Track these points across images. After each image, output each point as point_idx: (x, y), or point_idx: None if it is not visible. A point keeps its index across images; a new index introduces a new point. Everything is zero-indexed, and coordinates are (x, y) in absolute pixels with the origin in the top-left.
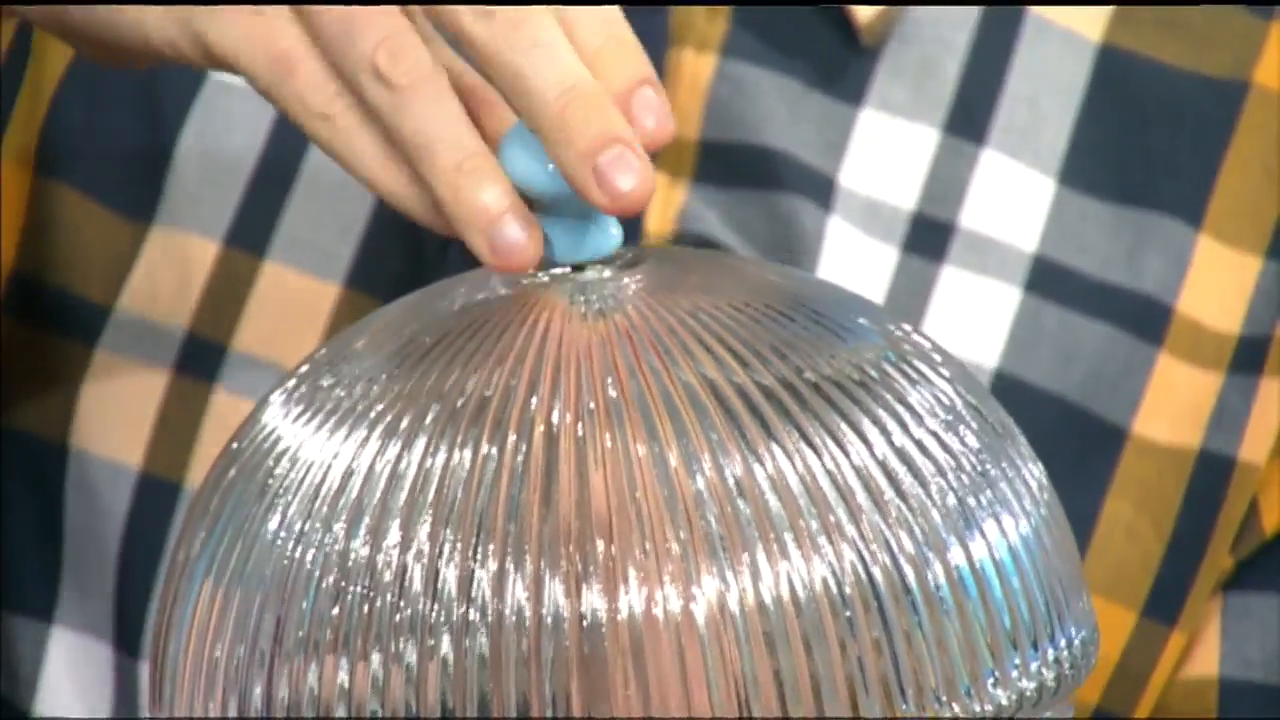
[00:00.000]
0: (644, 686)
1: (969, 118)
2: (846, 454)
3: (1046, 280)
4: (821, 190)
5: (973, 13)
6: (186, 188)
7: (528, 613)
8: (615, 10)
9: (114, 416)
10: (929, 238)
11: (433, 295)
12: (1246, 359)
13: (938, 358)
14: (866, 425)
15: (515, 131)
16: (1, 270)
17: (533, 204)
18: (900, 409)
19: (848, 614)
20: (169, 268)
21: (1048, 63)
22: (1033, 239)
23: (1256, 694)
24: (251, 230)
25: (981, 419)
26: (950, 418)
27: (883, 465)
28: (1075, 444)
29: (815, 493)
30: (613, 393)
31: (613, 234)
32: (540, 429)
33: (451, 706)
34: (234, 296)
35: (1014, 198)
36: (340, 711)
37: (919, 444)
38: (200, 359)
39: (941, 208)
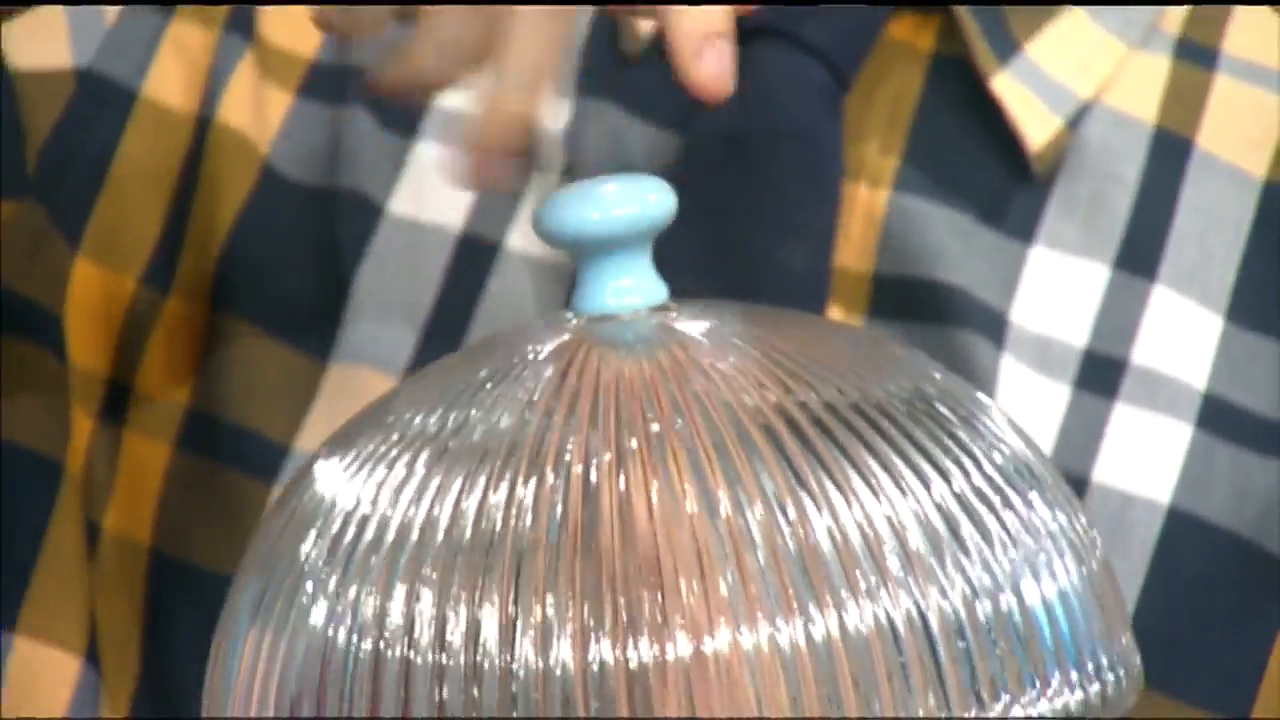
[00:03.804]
0: None
1: (1139, 254)
2: (904, 497)
3: (1217, 417)
4: (995, 327)
5: (1141, 146)
6: (365, 323)
7: (571, 664)
8: None
9: None
10: (1101, 375)
11: (476, 345)
12: None
13: (990, 408)
14: (924, 469)
15: (569, 189)
16: (174, 406)
17: (581, 254)
18: (958, 454)
19: (901, 659)
20: (348, 404)
21: (1214, 199)
22: (1202, 376)
23: None
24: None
25: (1034, 470)
26: (1005, 466)
27: (940, 510)
28: (1248, 581)
29: (869, 536)
30: (655, 432)
31: (657, 288)
32: (577, 468)
33: None
34: None
35: (1184, 334)
36: None
37: (976, 490)
38: None
39: (1113, 344)
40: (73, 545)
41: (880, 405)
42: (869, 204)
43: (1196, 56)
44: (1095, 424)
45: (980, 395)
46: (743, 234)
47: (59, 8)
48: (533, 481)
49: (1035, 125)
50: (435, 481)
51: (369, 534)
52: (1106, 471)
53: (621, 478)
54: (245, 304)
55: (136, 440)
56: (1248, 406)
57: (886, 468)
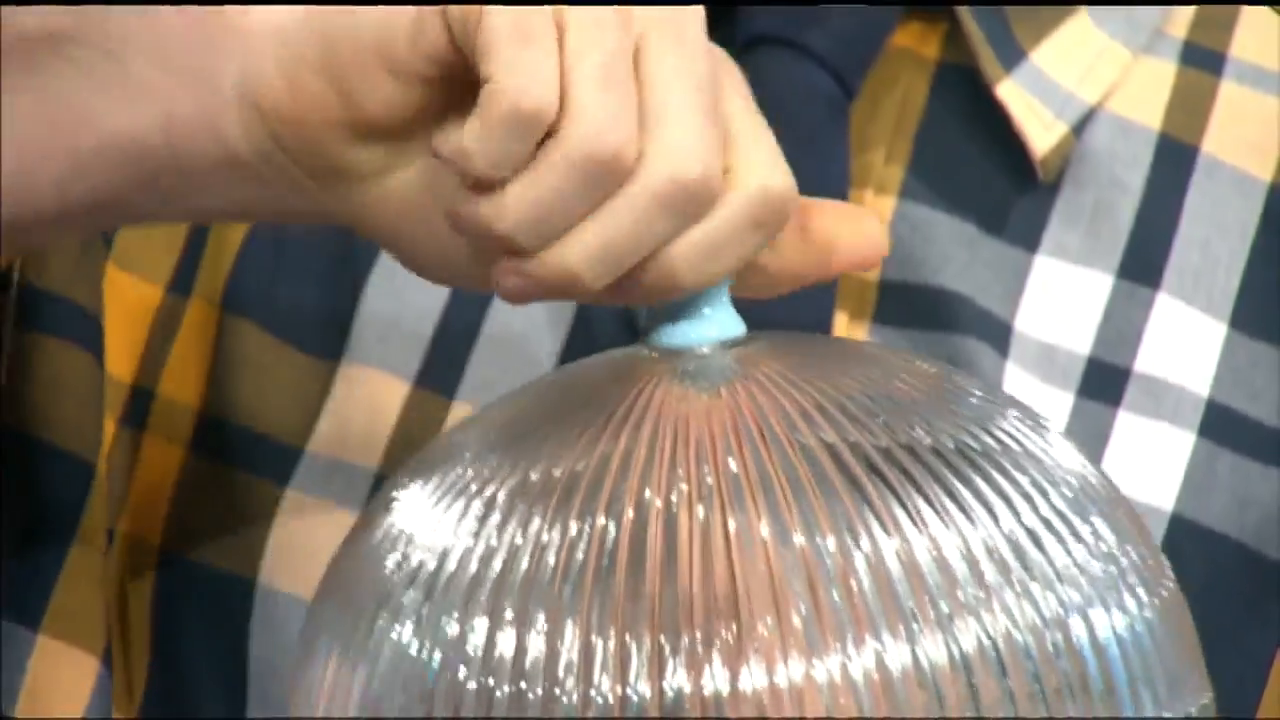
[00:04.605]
0: None
1: (1143, 262)
2: (974, 527)
3: (1219, 425)
4: (999, 335)
5: (1146, 152)
6: (375, 328)
7: (648, 694)
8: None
9: (304, 555)
10: (1104, 383)
11: (551, 377)
12: None
13: (1058, 437)
14: (993, 500)
15: None
16: (189, 409)
17: None
18: (1026, 485)
19: (972, 687)
20: (358, 408)
21: (1218, 204)
22: (1205, 384)
23: None
24: (440, 371)
25: (1103, 501)
26: (1073, 497)
27: (1010, 540)
28: (1250, 588)
29: (941, 567)
30: (731, 466)
31: (734, 322)
32: (656, 504)
33: None
34: (424, 437)
35: (1187, 342)
36: None
37: (1045, 521)
38: None
39: (1116, 353)
40: (97, 548)
41: (950, 439)
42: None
43: (1202, 61)
44: (1099, 432)
45: (1048, 424)
46: None
47: None
48: (612, 518)
49: (1040, 132)
50: (516, 515)
51: (450, 565)
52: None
53: (698, 513)
54: (256, 308)
55: (153, 444)
56: (1249, 414)
57: (956, 500)
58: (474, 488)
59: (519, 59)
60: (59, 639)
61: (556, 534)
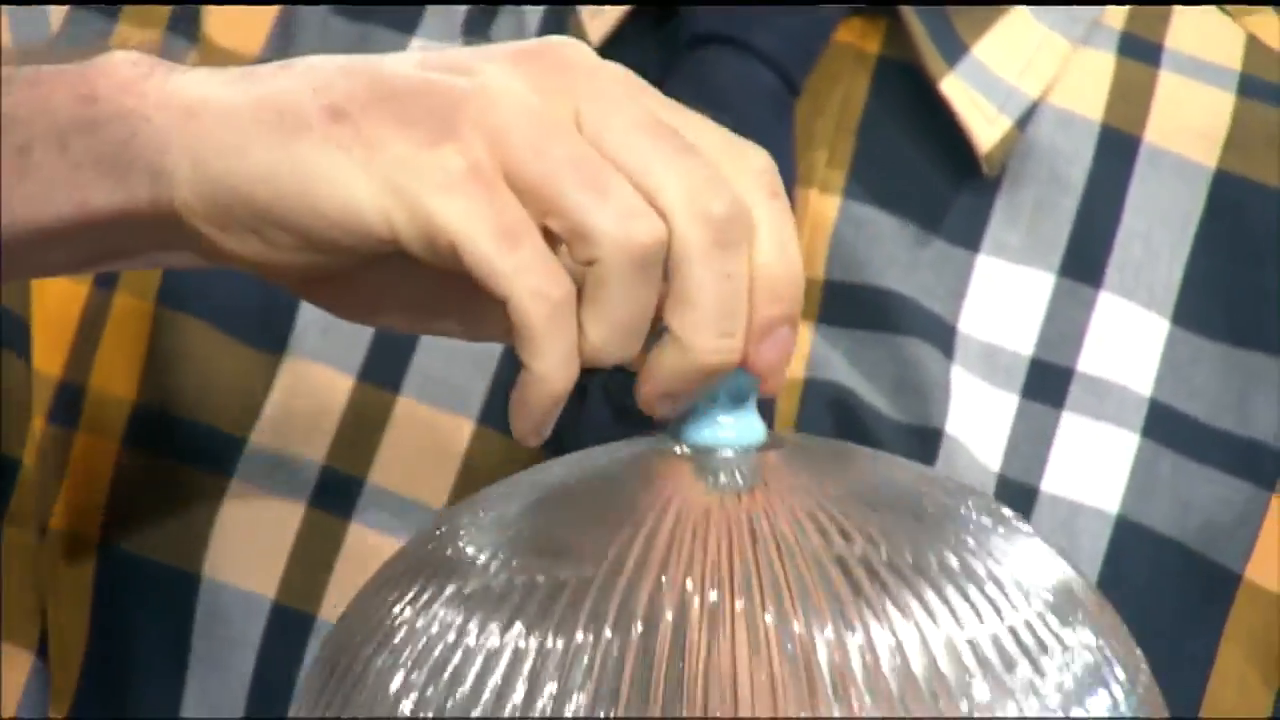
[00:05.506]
0: None
1: (1084, 260)
2: (962, 629)
3: (1161, 425)
4: (944, 337)
5: (1088, 145)
6: (318, 321)
7: None
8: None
9: (248, 547)
10: (1048, 384)
11: (564, 464)
12: None
13: (1033, 537)
14: (980, 605)
15: None
16: (122, 403)
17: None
18: (1012, 591)
19: None
20: (302, 400)
21: (1161, 194)
22: (1148, 383)
23: None
24: (384, 365)
25: (1079, 597)
26: (1052, 598)
27: (994, 642)
28: (1193, 590)
29: (931, 667)
30: (740, 569)
31: (756, 427)
32: (668, 608)
33: None
34: (368, 430)
35: (1129, 341)
36: None
37: (1027, 624)
38: (335, 492)
39: (1059, 353)
40: (26, 543)
41: (942, 554)
42: (819, 211)
43: (1140, 53)
44: (1043, 433)
45: (1020, 523)
46: None
47: (2, 10)
48: (621, 627)
49: (984, 126)
50: (528, 615)
51: (453, 667)
52: (1055, 481)
53: (708, 624)
54: (195, 302)
55: (86, 439)
56: (1189, 413)
57: (951, 610)
58: (478, 586)
59: (518, 265)
60: None
61: (564, 638)
